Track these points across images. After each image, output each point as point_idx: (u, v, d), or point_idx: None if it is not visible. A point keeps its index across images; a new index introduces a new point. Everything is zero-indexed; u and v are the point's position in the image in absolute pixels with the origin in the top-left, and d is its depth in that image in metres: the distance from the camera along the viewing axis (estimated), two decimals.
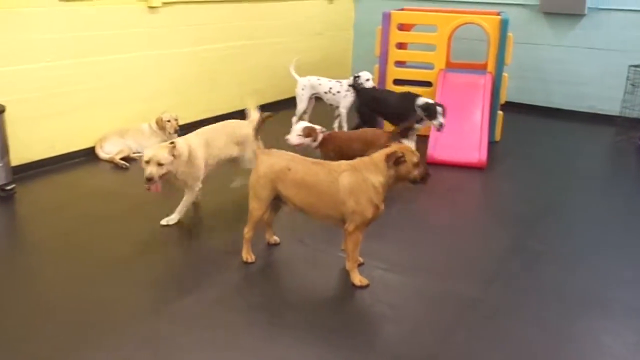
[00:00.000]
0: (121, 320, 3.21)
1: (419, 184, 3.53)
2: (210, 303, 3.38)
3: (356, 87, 6.44)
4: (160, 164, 4.01)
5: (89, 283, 3.58)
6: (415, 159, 3.45)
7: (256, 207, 3.75)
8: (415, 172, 3.46)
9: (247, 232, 3.83)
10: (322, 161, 3.72)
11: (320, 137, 4.95)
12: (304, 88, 6.87)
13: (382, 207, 3.51)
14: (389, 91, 6.40)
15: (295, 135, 4.94)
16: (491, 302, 3.50)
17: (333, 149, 4.92)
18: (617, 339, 3.20)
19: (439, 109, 5.48)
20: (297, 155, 3.76)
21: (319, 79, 6.85)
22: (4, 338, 3.04)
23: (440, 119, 5.49)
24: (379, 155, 3.47)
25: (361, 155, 4.36)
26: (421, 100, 5.64)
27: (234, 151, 4.68)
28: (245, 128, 4.68)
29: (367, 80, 6.54)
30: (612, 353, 3.09)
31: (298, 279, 3.75)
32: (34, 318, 3.22)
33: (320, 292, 3.58)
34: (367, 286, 3.58)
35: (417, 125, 5.70)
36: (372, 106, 6.20)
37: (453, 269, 3.90)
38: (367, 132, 5.14)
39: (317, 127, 4.99)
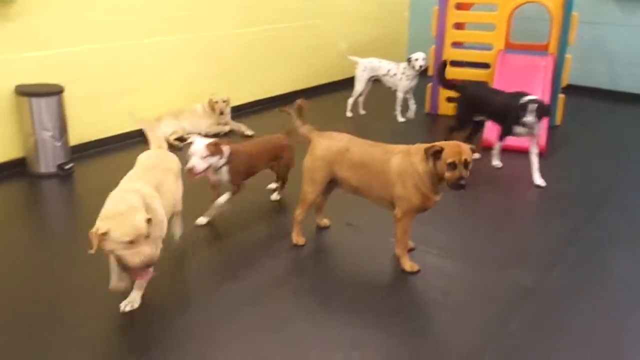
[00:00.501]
0: (170, 304, 3.29)
1: (450, 188, 3.32)
2: (259, 288, 3.43)
3: (455, 84, 5.75)
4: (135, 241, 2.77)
5: None
6: (450, 159, 3.22)
7: (310, 191, 3.77)
8: (447, 174, 3.26)
9: (299, 214, 3.86)
10: (379, 143, 3.67)
11: (227, 152, 3.98)
12: (364, 69, 6.85)
13: (433, 197, 3.44)
14: (495, 89, 5.56)
15: (199, 159, 3.80)
16: (548, 291, 3.44)
17: (242, 164, 4.12)
18: None
19: (530, 106, 4.79)
20: (355, 137, 3.76)
21: (380, 61, 6.81)
22: (61, 318, 3.17)
23: (527, 117, 4.81)
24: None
25: (271, 166, 4.42)
26: (525, 99, 4.92)
27: (177, 191, 3.62)
28: (173, 159, 3.65)
29: (417, 59, 6.47)
30: None
31: (348, 263, 3.75)
32: (91, 297, 3.35)
33: (371, 277, 3.59)
34: (417, 272, 3.57)
35: (518, 130, 5.02)
36: (474, 105, 5.47)
37: (509, 257, 3.84)
38: (270, 138, 4.42)
39: (219, 140, 4.00)
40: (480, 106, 5.40)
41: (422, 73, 6.74)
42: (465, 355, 2.88)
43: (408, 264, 3.59)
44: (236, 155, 4.04)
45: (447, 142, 3.32)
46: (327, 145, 3.69)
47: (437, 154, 3.26)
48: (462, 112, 5.60)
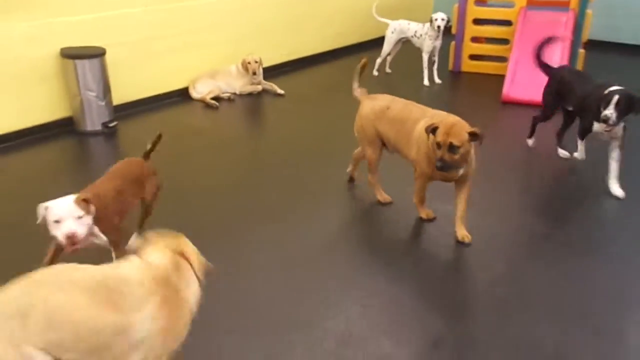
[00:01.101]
0: (209, 241, 3.33)
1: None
2: (283, 240, 3.46)
3: (547, 66, 4.56)
4: None
5: (184, 208, 3.73)
6: (439, 139, 3.04)
7: (369, 152, 3.72)
8: (434, 152, 3.13)
9: (371, 178, 3.82)
10: (420, 105, 3.54)
11: (93, 208, 2.69)
12: (393, 31, 6.71)
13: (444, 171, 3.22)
14: (582, 75, 4.34)
15: (75, 222, 2.58)
16: (564, 238, 3.39)
17: (111, 210, 2.87)
18: None
19: (615, 97, 3.58)
20: (398, 98, 3.66)
21: (409, 23, 6.64)
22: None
23: (607, 111, 3.59)
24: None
25: (135, 201, 3.13)
26: (609, 89, 3.70)
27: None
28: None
29: (436, 19, 6.26)
30: None
31: (372, 214, 3.74)
32: None
33: (392, 226, 3.57)
34: (433, 219, 3.55)
35: (597, 126, 3.84)
36: (559, 91, 4.33)
37: (525, 206, 3.78)
38: (130, 166, 3.16)
39: (83, 194, 2.68)
40: (566, 94, 4.26)
41: (447, 32, 6.57)
42: (472, 297, 2.87)
43: (424, 212, 3.57)
44: (101, 205, 2.80)
45: (446, 120, 3.11)
46: (371, 106, 3.66)
47: (434, 131, 3.11)
48: (546, 99, 4.50)
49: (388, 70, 6.99)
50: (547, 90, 4.48)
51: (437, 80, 6.56)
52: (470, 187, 3.37)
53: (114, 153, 4.83)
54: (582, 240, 3.38)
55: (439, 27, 6.28)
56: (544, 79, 5.79)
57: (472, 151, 3.23)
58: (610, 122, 3.60)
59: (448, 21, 6.35)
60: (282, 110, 5.77)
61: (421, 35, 6.51)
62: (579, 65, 6.41)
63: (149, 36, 5.60)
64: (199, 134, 5.09)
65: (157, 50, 5.70)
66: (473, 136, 3.07)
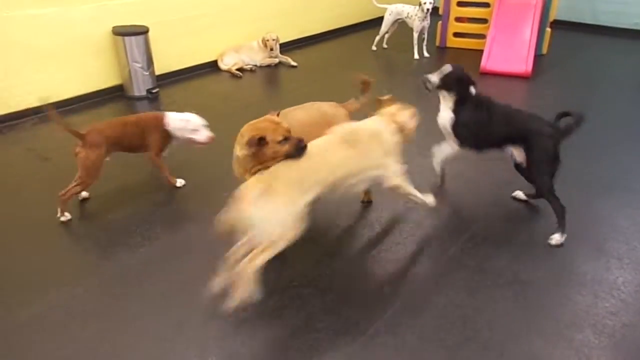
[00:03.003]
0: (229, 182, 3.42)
1: None
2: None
3: None
4: None
5: (213, 163, 3.82)
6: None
7: None
8: None
9: None
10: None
11: None
12: (390, 13, 6.63)
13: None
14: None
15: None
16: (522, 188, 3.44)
17: None
18: (631, 220, 3.09)
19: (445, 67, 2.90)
20: (316, 106, 3.34)
21: (403, 6, 6.55)
22: (135, 196, 3.34)
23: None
24: None
25: None
26: None
27: None
28: None
29: (424, 3, 6.18)
30: (625, 233, 2.99)
31: None
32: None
33: None
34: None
35: None
36: None
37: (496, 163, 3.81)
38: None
39: None
40: None
41: (434, 13, 6.48)
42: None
43: None
44: None
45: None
46: None
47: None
48: None
49: (385, 46, 6.94)
50: None
51: (425, 54, 6.52)
52: None
53: None
54: None
55: (427, 9, 6.21)
56: (516, 53, 5.78)
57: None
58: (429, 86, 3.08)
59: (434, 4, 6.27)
60: (295, 79, 5.79)
61: (412, 16, 6.43)
62: (546, 41, 6.33)
63: (185, 16, 5.59)
64: (225, 98, 5.15)
65: (192, 29, 5.70)
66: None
